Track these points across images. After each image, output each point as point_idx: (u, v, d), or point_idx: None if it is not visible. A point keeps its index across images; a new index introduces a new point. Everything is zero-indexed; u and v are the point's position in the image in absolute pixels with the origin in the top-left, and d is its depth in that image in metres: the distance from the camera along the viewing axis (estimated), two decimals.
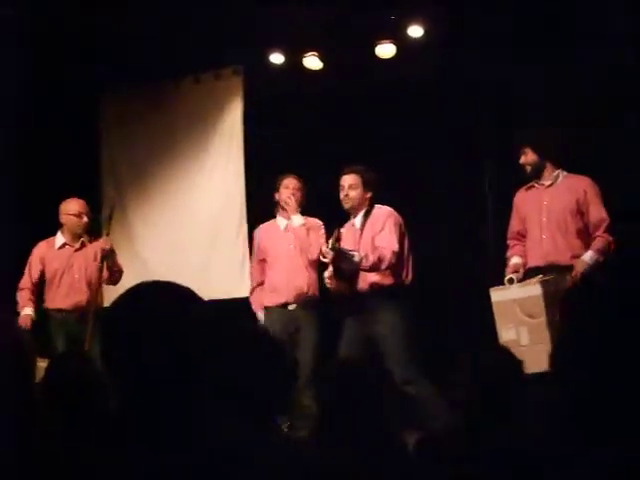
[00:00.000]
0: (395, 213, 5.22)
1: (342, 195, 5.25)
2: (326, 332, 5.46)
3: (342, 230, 5.08)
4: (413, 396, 4.83)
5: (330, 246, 4.96)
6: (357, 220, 5.25)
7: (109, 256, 5.66)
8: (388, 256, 4.99)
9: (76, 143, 6.94)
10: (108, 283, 5.74)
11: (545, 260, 4.91)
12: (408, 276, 5.17)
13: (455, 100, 6.16)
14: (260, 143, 6.73)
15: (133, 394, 1.56)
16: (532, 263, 4.99)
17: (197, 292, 1.66)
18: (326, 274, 5.17)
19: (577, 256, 4.82)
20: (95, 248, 5.70)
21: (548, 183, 5.01)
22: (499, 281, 5.00)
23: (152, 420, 1.54)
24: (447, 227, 6.22)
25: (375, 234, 5.12)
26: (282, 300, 5.53)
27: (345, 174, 5.25)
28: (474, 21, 5.91)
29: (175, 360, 1.54)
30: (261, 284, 5.70)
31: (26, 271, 5.75)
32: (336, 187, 5.32)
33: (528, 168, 5.03)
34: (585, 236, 4.88)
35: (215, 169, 6.97)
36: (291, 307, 5.54)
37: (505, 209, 5.40)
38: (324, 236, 5.53)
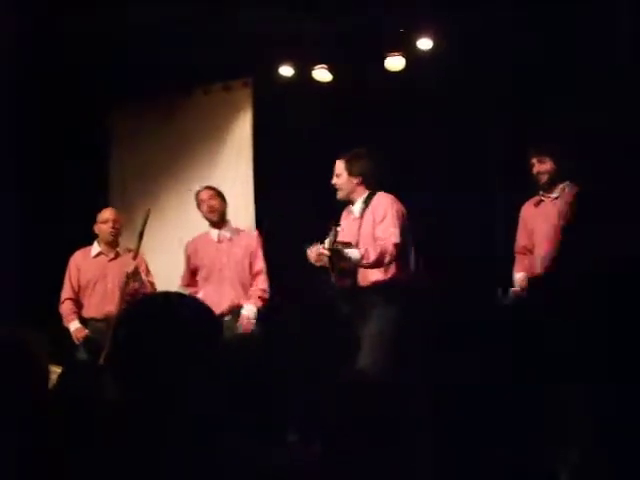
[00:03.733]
0: (397, 202, 4.99)
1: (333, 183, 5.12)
2: None
3: (339, 228, 4.82)
4: None
5: (327, 246, 4.71)
6: (355, 208, 5.05)
7: (133, 279, 5.68)
8: (390, 249, 4.74)
9: (86, 154, 6.96)
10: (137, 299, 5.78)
11: None
12: (408, 271, 4.93)
13: (464, 112, 6.15)
14: (269, 155, 6.73)
15: (142, 404, 1.56)
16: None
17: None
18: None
19: None
20: (129, 258, 5.74)
21: (555, 195, 5.00)
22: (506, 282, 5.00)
23: (160, 427, 1.54)
24: (456, 232, 6.20)
25: (376, 224, 4.89)
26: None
27: (336, 162, 5.13)
28: (483, 34, 5.91)
29: (184, 371, 1.54)
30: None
31: (66, 282, 5.81)
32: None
33: (544, 177, 4.99)
34: None
35: (224, 181, 6.96)
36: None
37: (513, 213, 5.40)
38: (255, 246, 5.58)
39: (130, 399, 1.59)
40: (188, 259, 5.77)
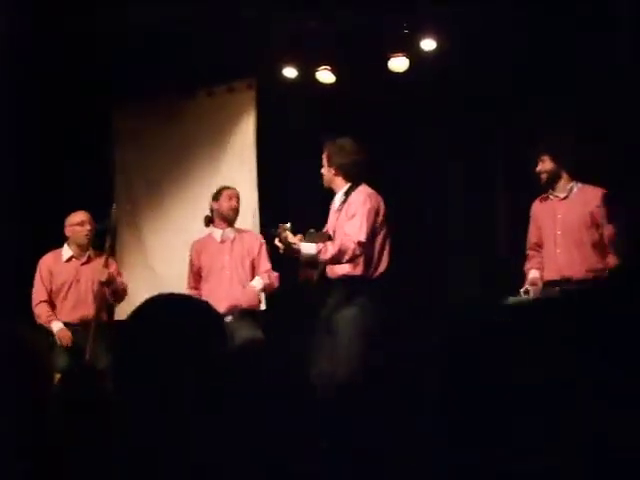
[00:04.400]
0: (373, 197, 4.81)
1: None
2: None
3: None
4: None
5: (278, 238, 4.66)
6: (336, 199, 4.95)
7: (107, 285, 5.64)
8: (351, 247, 4.60)
9: (89, 157, 6.97)
10: (112, 302, 5.77)
11: (560, 274, 4.88)
12: (379, 268, 4.80)
13: (467, 112, 6.16)
14: (273, 156, 6.74)
15: (148, 408, 1.56)
16: (548, 277, 4.96)
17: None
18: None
19: (592, 270, 4.77)
20: (101, 263, 5.66)
21: (563, 195, 4.98)
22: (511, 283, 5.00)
23: (164, 432, 1.54)
24: (459, 233, 6.21)
25: (347, 219, 4.75)
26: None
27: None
28: (487, 34, 5.91)
29: (191, 374, 1.54)
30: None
31: (38, 284, 5.72)
32: None
33: (544, 176, 4.99)
34: (600, 249, 4.83)
35: (228, 183, 6.97)
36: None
37: (516, 215, 5.39)
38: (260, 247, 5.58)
39: (131, 401, 1.59)
40: (191, 261, 5.76)
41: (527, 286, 4.92)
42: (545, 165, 4.97)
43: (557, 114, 5.61)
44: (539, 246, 5.08)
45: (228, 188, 5.77)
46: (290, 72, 6.62)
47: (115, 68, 6.53)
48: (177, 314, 1.61)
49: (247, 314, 5.51)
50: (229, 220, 5.71)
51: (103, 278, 5.59)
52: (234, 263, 5.62)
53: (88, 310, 5.61)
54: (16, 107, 5.85)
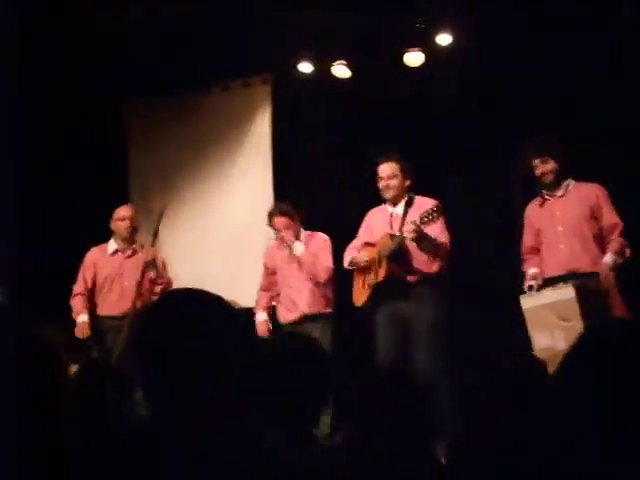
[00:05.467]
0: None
1: (382, 185, 5.22)
2: None
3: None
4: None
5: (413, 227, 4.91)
6: (398, 209, 5.18)
7: (150, 267, 5.68)
8: (447, 244, 5.04)
9: (104, 153, 6.99)
10: (153, 294, 5.76)
11: (565, 268, 4.88)
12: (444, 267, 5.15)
13: (483, 108, 6.12)
14: (288, 152, 6.73)
15: (163, 400, 1.55)
16: (550, 273, 4.95)
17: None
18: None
19: (596, 262, 4.79)
20: (142, 258, 5.72)
21: (560, 193, 5.01)
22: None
23: (185, 427, 1.53)
24: (472, 231, 6.18)
25: (433, 223, 5.00)
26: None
27: (382, 163, 5.22)
28: (502, 29, 5.88)
29: (207, 367, 1.53)
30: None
31: (80, 276, 5.77)
32: (364, 193, 5.30)
33: (550, 177, 5.00)
34: (600, 241, 4.87)
35: (243, 177, 6.98)
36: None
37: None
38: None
39: (149, 397, 1.59)
40: (265, 264, 5.80)
41: (529, 282, 4.93)
42: (549, 166, 4.98)
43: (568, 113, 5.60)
44: (535, 249, 5.09)
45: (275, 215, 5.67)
46: (306, 67, 6.61)
47: (131, 64, 6.52)
48: (193, 309, 1.61)
49: (318, 316, 5.49)
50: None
51: (148, 258, 5.63)
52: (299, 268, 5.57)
53: (131, 304, 5.60)
54: (28, 106, 5.89)
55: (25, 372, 1.77)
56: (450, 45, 6.20)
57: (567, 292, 4.58)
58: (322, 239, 5.64)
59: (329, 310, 5.53)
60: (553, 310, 4.60)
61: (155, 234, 5.82)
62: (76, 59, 6.34)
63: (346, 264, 5.31)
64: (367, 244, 5.27)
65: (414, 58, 6.34)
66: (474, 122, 6.18)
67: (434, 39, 6.22)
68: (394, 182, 5.18)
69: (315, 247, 5.58)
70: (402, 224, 5.04)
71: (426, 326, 4.96)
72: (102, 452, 1.60)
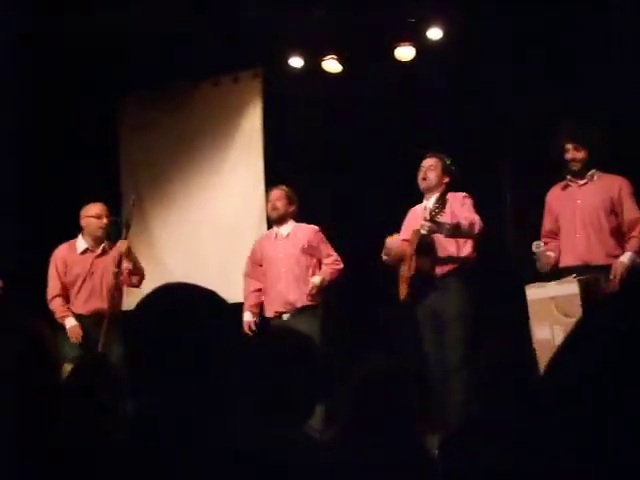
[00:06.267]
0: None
1: (420, 176, 5.30)
2: None
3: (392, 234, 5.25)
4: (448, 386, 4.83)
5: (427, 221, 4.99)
6: (430, 203, 5.21)
7: (127, 258, 5.62)
8: (479, 224, 5.07)
9: (95, 147, 6.97)
10: (130, 286, 5.73)
11: (579, 259, 4.87)
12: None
13: (474, 101, 6.13)
14: (279, 146, 6.72)
15: (156, 395, 1.55)
16: (566, 262, 4.95)
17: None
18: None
19: (611, 255, 4.78)
20: (115, 253, 5.65)
21: (583, 182, 4.98)
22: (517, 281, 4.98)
23: (174, 421, 1.53)
24: None
25: (454, 210, 5.12)
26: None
27: (427, 157, 5.33)
28: (493, 24, 5.89)
29: (199, 361, 1.53)
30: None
31: (52, 276, 5.67)
32: (354, 189, 5.31)
33: (578, 165, 4.95)
34: (619, 236, 4.84)
35: (234, 172, 6.97)
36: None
37: (524, 209, 5.37)
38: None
39: (142, 390, 1.59)
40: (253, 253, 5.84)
41: (538, 243, 4.95)
42: (581, 154, 4.94)
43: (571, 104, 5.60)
44: (554, 233, 5.08)
45: (273, 189, 5.79)
46: (296, 62, 6.60)
47: (121, 58, 6.50)
48: (184, 303, 1.61)
49: (306, 309, 5.51)
50: (274, 220, 5.75)
51: (123, 248, 5.57)
52: (288, 260, 5.60)
53: (101, 302, 5.56)
54: (21, 99, 5.86)
55: (13, 368, 1.76)
56: (441, 39, 6.20)
57: (572, 287, 4.57)
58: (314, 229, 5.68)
59: (316, 302, 5.54)
60: (556, 304, 4.59)
61: (127, 226, 5.74)
62: (70, 55, 6.33)
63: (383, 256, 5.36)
64: (404, 240, 5.33)
65: (405, 52, 6.34)
66: (465, 116, 6.18)
67: (425, 33, 6.22)
68: (432, 174, 5.26)
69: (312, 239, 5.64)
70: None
71: (451, 317, 5.02)
72: (96, 451, 1.60)
